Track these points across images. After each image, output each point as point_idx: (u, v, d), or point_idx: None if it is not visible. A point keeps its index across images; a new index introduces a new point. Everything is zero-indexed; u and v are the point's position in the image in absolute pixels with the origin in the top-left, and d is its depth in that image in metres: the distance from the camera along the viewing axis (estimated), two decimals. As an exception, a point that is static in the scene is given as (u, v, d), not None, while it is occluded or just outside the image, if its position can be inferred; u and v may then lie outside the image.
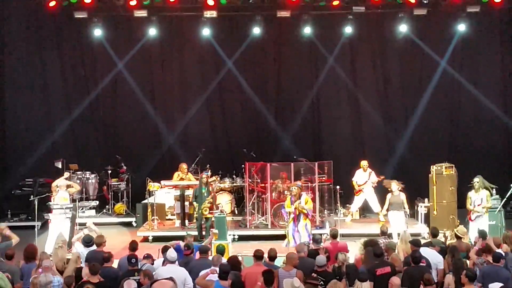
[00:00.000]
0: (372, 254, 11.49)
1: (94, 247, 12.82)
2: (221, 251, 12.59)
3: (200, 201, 17.38)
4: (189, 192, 18.74)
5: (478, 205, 16.38)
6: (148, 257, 11.95)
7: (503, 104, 21.95)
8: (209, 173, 19.20)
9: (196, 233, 17.19)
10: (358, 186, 19.53)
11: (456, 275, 10.69)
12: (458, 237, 13.45)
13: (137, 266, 11.12)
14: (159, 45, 22.24)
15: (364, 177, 19.51)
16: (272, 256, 11.72)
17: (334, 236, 13.58)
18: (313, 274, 9.89)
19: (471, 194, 16.57)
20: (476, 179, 16.60)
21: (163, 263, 11.55)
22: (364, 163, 19.61)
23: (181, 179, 19.48)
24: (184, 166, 19.60)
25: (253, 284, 9.96)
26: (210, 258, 11.81)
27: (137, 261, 11.23)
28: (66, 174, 17.75)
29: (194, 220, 18.49)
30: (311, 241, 14.22)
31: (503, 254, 11.53)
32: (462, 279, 10.19)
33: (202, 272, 10.70)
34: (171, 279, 9.54)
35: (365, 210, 20.14)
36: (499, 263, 11.02)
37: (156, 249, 13.51)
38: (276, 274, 10.49)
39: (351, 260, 12.49)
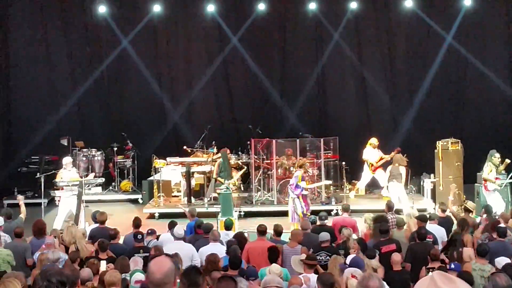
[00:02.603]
0: (378, 230, 11.56)
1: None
2: (229, 225, 12.64)
3: (225, 176, 17.45)
4: (195, 169, 18.88)
5: (496, 178, 16.25)
6: (152, 232, 12.02)
7: (510, 79, 21.85)
8: (215, 150, 19.27)
9: (201, 209, 17.22)
10: (376, 163, 19.06)
11: (452, 248, 10.76)
12: (468, 211, 13.53)
13: (143, 243, 11.20)
14: (164, 22, 22.16)
15: (375, 154, 19.16)
16: (279, 232, 11.80)
17: (346, 210, 13.69)
18: (310, 253, 9.95)
19: (492, 166, 16.34)
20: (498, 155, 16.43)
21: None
22: (373, 140, 19.29)
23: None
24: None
25: (256, 259, 10.02)
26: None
27: (143, 238, 11.31)
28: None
29: (202, 196, 18.60)
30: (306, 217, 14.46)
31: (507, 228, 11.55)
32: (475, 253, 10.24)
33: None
34: (176, 255, 9.58)
35: (371, 186, 20.12)
36: (505, 238, 11.03)
37: (162, 225, 13.58)
38: (281, 250, 10.55)
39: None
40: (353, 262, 8.97)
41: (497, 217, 13.29)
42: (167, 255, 8.32)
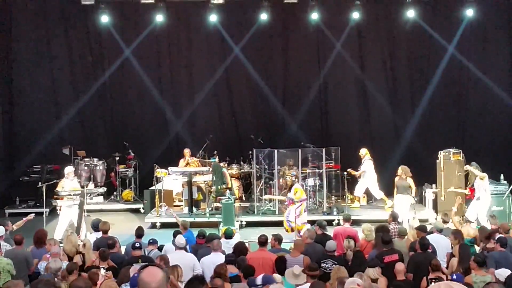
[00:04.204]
0: (380, 240, 11.51)
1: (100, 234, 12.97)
2: (229, 234, 12.62)
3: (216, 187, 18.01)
4: (197, 178, 18.92)
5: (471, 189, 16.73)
6: (153, 242, 11.95)
7: (511, 90, 21.81)
8: (217, 159, 19.27)
9: (202, 219, 17.38)
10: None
11: (464, 262, 10.68)
12: (469, 221, 13.54)
13: (140, 251, 11.15)
14: (166, 31, 22.17)
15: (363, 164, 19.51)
16: (279, 239, 11.84)
17: (347, 219, 13.64)
18: (312, 263, 9.92)
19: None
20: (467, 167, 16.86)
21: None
22: (361, 151, 19.61)
23: (187, 163, 19.66)
24: (186, 150, 20.02)
25: (257, 269, 10.00)
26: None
27: (141, 246, 11.27)
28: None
29: (203, 206, 18.66)
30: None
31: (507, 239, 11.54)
32: (471, 264, 10.17)
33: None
34: (175, 266, 9.55)
35: (372, 196, 20.08)
36: (505, 249, 11.02)
37: (164, 235, 13.56)
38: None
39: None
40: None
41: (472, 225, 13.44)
42: (159, 266, 8.31)
